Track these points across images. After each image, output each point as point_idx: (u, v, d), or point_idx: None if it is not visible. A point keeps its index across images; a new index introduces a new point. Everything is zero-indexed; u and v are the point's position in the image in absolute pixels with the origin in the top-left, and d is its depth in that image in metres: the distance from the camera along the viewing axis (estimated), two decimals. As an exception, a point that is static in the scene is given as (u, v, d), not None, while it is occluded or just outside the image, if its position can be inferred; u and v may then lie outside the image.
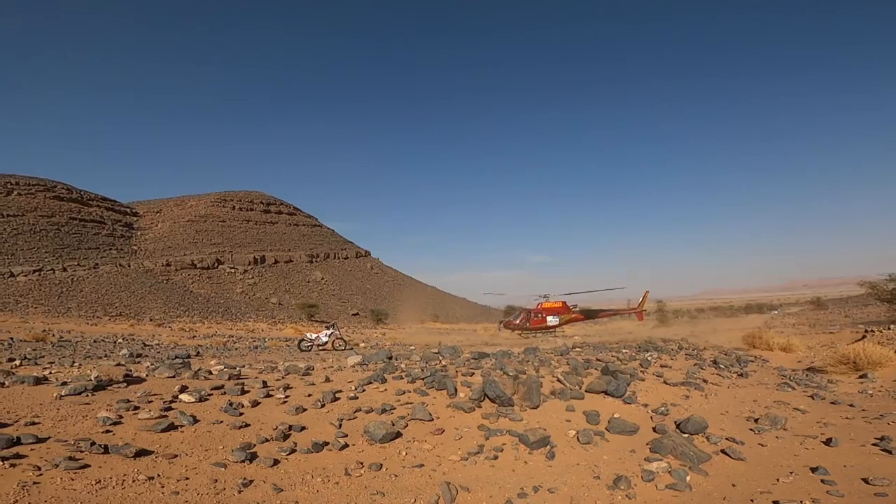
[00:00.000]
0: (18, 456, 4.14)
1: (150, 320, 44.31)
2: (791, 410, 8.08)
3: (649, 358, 11.49)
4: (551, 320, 28.98)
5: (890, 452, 5.90)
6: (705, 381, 9.40)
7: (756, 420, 7.29)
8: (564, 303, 29.68)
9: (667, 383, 8.92)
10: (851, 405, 8.52)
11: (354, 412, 6.37)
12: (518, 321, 29.28)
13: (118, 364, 10.08)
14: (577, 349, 14.01)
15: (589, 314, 30.63)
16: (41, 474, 3.91)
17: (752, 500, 4.76)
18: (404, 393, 7.26)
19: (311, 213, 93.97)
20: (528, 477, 5.19)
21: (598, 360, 10.85)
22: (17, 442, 4.35)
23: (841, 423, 7.36)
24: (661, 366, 10.80)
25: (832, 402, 8.80)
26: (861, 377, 12.51)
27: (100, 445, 4.42)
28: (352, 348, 20.35)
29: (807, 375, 12.36)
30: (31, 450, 4.28)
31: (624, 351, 13.51)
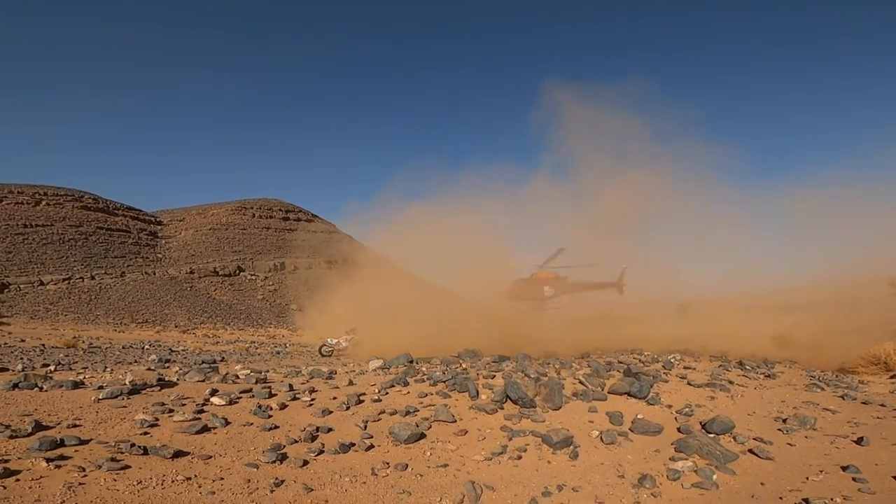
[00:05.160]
0: (63, 457, 4.34)
1: (175, 327, 45.30)
2: (821, 411, 7.93)
3: (672, 360, 11.39)
4: (548, 291, 28.45)
5: (923, 451, 5.79)
6: (731, 382, 9.27)
7: (784, 420, 7.19)
8: (557, 274, 29.17)
9: (691, 385, 8.84)
10: (883, 405, 8.36)
11: (379, 414, 6.49)
12: (513, 292, 28.63)
13: (149, 369, 10.42)
14: (599, 352, 13.93)
15: (579, 288, 29.94)
16: (85, 475, 4.09)
17: (781, 498, 4.73)
18: (427, 395, 7.35)
19: (329, 220, 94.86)
20: (552, 476, 5.23)
21: (620, 362, 10.80)
22: (61, 444, 4.56)
23: (872, 423, 7.23)
24: (685, 367, 10.69)
25: (863, 403, 8.62)
26: (892, 377, 12.21)
27: (139, 447, 4.60)
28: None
29: (836, 376, 12.08)
30: (75, 451, 4.48)
31: (646, 353, 13.39)
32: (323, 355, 19.01)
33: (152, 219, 78.17)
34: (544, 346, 15.16)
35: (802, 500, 4.64)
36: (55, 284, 52.16)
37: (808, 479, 5.17)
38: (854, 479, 5.07)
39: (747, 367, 11.25)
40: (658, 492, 4.97)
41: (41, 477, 3.97)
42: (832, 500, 4.59)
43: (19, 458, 4.21)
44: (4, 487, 3.73)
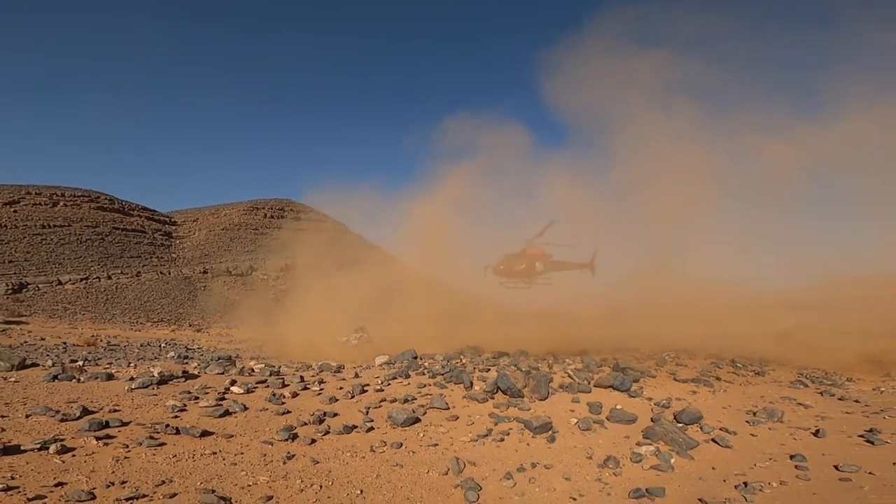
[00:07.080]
0: (109, 436, 5.13)
1: (190, 325, 46.41)
2: (795, 405, 8.40)
3: (666, 357, 11.87)
4: (538, 267, 28.56)
5: (872, 443, 6.31)
6: (718, 378, 9.76)
7: (754, 413, 7.70)
8: (543, 251, 29.33)
9: (676, 380, 9.38)
10: (857, 401, 8.77)
11: (380, 402, 7.25)
12: (504, 266, 28.75)
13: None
14: (597, 350, 14.39)
15: (561, 267, 30.06)
16: (129, 451, 4.88)
17: (724, 481, 5.35)
18: (425, 386, 8.08)
19: (339, 220, 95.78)
20: (529, 456, 5.94)
21: (615, 358, 11.33)
22: (107, 425, 5.34)
23: (839, 417, 7.68)
24: (678, 364, 11.17)
25: (840, 399, 9.06)
26: (884, 376, 12.48)
27: (172, 427, 5.40)
28: None
29: (826, 374, 12.43)
30: (119, 431, 5.28)
31: (642, 351, 13.87)
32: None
33: (167, 219, 79.63)
34: (545, 344, 15.62)
35: (743, 482, 5.24)
36: (73, 284, 53.57)
37: (755, 465, 5.76)
38: (797, 467, 5.63)
39: (738, 365, 11.71)
40: (619, 471, 5.64)
41: (93, 453, 4.76)
42: (769, 483, 5.19)
43: (73, 438, 5.00)
44: (64, 462, 4.50)
